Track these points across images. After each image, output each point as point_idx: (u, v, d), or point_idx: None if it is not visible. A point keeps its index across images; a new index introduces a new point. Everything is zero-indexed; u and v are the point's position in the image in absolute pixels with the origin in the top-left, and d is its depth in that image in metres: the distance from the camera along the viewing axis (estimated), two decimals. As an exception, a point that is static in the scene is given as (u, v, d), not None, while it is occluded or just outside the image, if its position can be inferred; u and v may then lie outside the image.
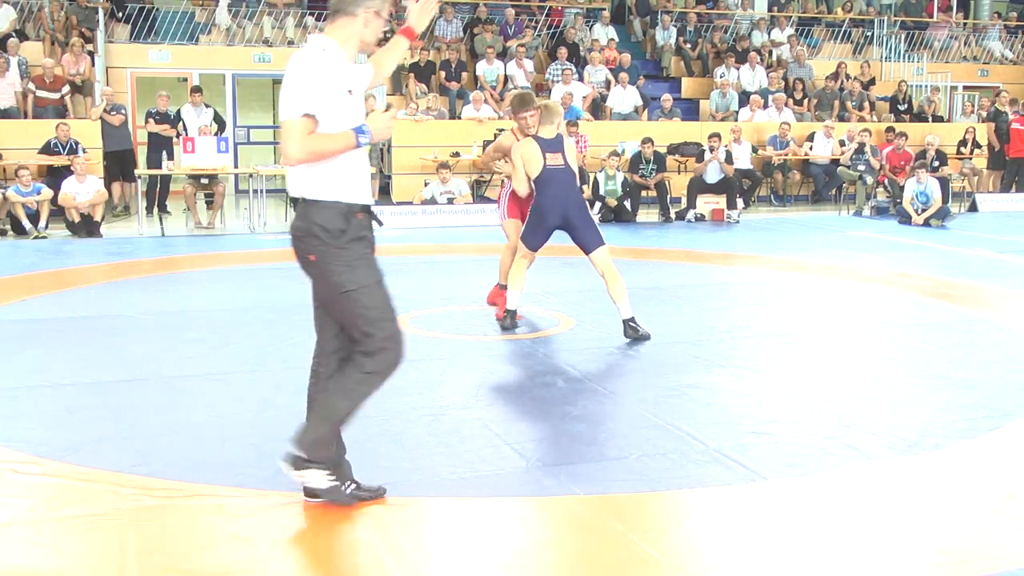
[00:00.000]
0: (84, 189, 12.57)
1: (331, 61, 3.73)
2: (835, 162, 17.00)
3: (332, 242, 3.75)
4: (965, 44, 23.31)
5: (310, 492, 3.96)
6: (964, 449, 4.72)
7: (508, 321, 7.29)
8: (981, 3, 24.37)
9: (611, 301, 7.05)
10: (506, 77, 17.71)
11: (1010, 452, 4.76)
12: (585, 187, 14.02)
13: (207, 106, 15.21)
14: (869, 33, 22.37)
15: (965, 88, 21.68)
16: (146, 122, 15.07)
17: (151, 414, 5.22)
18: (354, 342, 3.86)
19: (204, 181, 13.57)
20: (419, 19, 4.32)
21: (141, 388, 5.72)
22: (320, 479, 3.87)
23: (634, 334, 6.94)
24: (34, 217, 12.53)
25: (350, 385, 3.85)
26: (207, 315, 7.76)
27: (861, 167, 16.14)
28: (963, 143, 18.26)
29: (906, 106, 19.71)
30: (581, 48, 18.94)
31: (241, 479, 4.24)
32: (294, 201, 4.02)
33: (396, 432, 4.93)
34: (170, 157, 14.55)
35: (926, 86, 20.70)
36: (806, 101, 19.09)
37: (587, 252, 7.08)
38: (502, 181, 7.96)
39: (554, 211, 7.06)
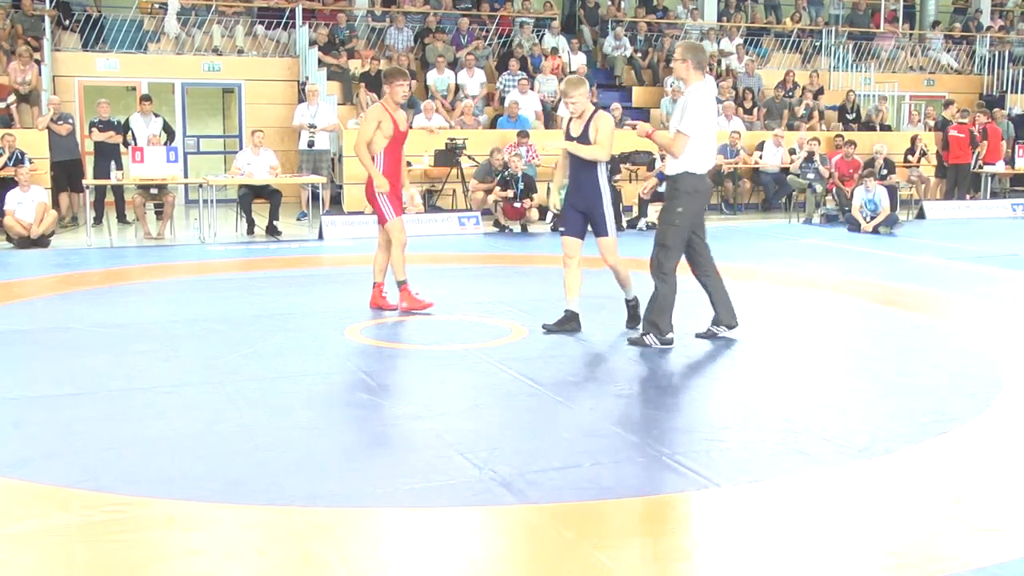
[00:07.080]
0: (28, 198, 12.38)
1: None
2: (785, 171, 17.15)
3: None
4: (911, 54, 23.68)
5: None
6: (913, 453, 4.77)
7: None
8: (926, 14, 24.76)
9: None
10: (457, 86, 17.72)
11: (958, 455, 4.82)
12: (536, 196, 14.04)
13: (156, 115, 15.06)
14: (817, 43, 22.64)
15: (912, 97, 21.99)
16: (90, 132, 14.90)
17: (100, 428, 5.15)
18: None
19: (153, 191, 13.43)
20: None
21: (89, 401, 5.64)
22: None
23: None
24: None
25: None
26: (157, 327, 7.66)
27: (810, 175, 16.30)
28: (911, 151, 18.53)
29: (854, 115, 19.96)
30: (530, 58, 18.97)
31: (192, 492, 4.19)
32: None
33: (348, 443, 4.90)
34: (119, 167, 14.37)
35: (874, 95, 20.97)
36: (756, 110, 19.28)
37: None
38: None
39: None
